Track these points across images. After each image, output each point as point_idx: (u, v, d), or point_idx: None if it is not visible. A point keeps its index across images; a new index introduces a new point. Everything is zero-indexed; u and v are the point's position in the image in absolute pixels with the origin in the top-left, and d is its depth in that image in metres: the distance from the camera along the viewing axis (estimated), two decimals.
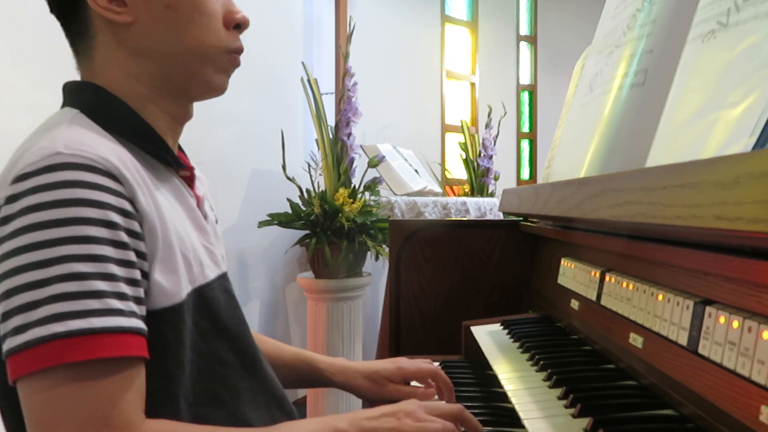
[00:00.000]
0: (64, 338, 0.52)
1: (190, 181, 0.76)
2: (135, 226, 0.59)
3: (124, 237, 0.57)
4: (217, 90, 0.74)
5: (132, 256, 0.58)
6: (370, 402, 0.91)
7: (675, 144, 0.63)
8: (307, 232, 2.42)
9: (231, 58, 0.73)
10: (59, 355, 0.52)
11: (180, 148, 0.80)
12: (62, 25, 0.71)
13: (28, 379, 0.52)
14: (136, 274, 0.59)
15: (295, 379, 0.95)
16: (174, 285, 0.63)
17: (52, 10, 0.70)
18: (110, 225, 0.56)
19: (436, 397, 0.90)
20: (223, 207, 2.54)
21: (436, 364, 1.03)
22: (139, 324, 0.57)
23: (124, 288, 0.56)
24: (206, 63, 0.71)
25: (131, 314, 0.56)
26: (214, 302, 0.70)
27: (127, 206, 0.58)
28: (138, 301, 0.58)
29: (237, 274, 2.61)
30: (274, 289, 2.84)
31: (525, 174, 5.31)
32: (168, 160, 0.70)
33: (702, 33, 0.64)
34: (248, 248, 2.66)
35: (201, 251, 0.71)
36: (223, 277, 0.75)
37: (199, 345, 0.67)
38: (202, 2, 0.70)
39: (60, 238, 0.54)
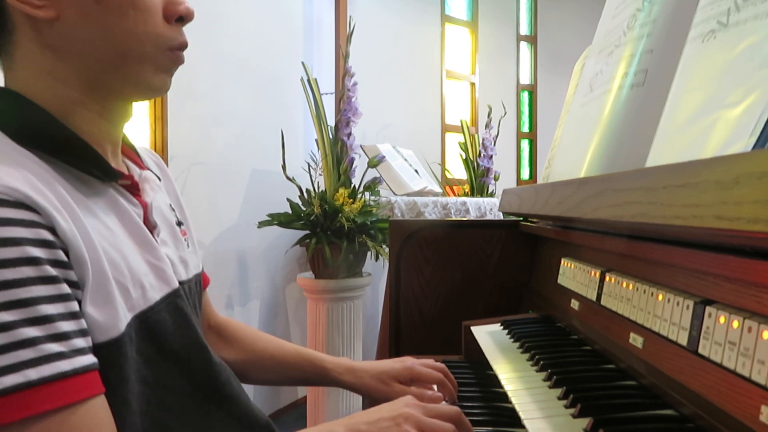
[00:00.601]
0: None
1: (133, 188, 0.68)
2: (60, 255, 0.52)
3: (51, 270, 0.51)
4: (158, 91, 0.67)
5: (65, 288, 0.52)
6: (374, 402, 0.91)
7: (675, 144, 0.63)
8: (307, 232, 2.42)
9: (173, 55, 0.65)
10: None
11: (133, 148, 0.74)
12: None
13: None
14: (75, 306, 0.53)
15: (297, 377, 0.93)
16: (110, 317, 0.57)
17: None
18: (32, 261, 0.49)
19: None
20: (223, 207, 2.54)
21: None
22: (85, 361, 0.52)
23: (64, 326, 0.51)
24: (144, 63, 0.63)
25: (75, 353, 0.51)
26: (159, 326, 0.64)
27: (46, 236, 0.51)
28: (84, 333, 0.53)
29: (237, 274, 2.61)
30: (274, 289, 2.84)
31: (525, 174, 5.32)
32: (96, 174, 0.61)
33: (702, 33, 0.64)
34: (248, 248, 2.66)
35: (143, 271, 0.64)
36: (174, 294, 0.67)
37: (145, 375, 0.61)
38: None
39: None
